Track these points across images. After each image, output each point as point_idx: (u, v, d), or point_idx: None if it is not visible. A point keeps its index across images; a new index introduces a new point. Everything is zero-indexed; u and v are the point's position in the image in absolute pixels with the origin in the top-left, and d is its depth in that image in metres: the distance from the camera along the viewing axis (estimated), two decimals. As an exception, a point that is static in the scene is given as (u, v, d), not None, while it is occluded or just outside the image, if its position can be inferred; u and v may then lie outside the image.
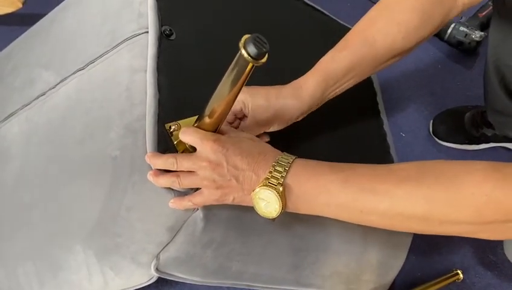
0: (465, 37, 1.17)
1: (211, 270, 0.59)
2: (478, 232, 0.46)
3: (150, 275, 0.55)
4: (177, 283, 0.60)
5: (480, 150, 1.08)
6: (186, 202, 0.50)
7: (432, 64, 1.22)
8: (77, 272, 0.56)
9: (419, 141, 1.11)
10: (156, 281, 0.57)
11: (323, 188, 0.48)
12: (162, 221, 0.52)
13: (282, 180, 0.47)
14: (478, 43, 1.17)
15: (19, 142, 0.68)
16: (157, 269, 0.54)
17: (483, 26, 1.19)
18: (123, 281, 0.55)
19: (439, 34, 1.21)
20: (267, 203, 0.48)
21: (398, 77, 1.20)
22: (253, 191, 0.48)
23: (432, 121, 1.12)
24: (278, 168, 0.48)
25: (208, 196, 0.50)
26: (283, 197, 0.47)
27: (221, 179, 0.48)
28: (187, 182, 0.49)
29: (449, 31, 1.18)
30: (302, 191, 0.48)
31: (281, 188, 0.47)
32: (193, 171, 0.49)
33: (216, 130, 0.51)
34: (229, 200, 0.50)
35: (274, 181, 0.47)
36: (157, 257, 0.54)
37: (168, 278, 0.57)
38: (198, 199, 0.50)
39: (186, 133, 0.49)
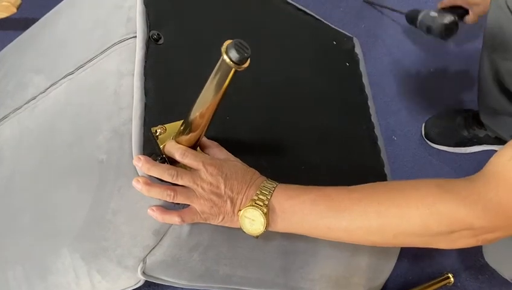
0: (433, 21, 1.09)
1: (198, 274, 0.59)
2: (433, 243, 0.50)
3: (137, 279, 0.55)
4: (168, 287, 0.61)
5: (471, 153, 1.09)
6: (175, 217, 0.51)
7: (425, 67, 1.22)
8: (65, 275, 0.56)
9: (411, 144, 1.12)
10: (146, 285, 0.57)
11: (296, 208, 0.53)
12: (147, 224, 0.52)
13: (267, 202, 0.52)
14: (447, 28, 1.07)
15: (10, 146, 0.69)
16: (143, 272, 0.54)
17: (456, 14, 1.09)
18: (110, 284, 0.55)
19: (413, 22, 1.15)
20: (252, 222, 0.52)
21: (390, 80, 1.20)
22: (240, 210, 0.53)
23: (424, 124, 1.12)
24: (263, 191, 0.53)
25: (199, 214, 0.52)
26: (267, 216, 0.52)
27: (218, 199, 0.52)
28: (182, 198, 0.51)
29: (419, 17, 1.12)
30: (281, 211, 0.53)
31: (265, 209, 0.52)
32: (188, 188, 0.52)
33: (201, 135, 0.52)
34: (217, 220, 0.53)
35: (260, 203, 0.52)
36: (144, 260, 0.54)
37: (155, 281, 0.57)
38: (189, 217, 0.52)
39: (186, 156, 0.52)
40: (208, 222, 0.53)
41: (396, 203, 0.49)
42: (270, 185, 0.54)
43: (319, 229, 0.53)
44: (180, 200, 0.51)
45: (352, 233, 0.52)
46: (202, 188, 0.51)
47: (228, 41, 0.41)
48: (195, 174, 0.51)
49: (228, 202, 0.52)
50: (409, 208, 0.48)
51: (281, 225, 0.54)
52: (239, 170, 0.54)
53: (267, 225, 0.52)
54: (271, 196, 0.53)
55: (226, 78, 0.44)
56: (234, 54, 0.41)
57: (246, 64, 0.42)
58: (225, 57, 0.41)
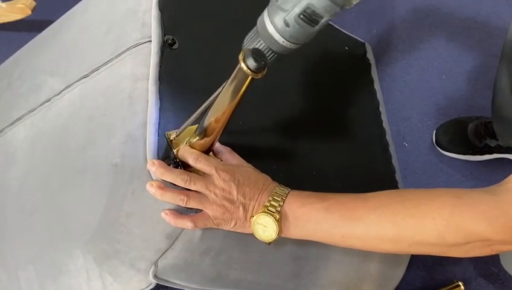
0: None
1: (209, 278, 0.59)
2: (446, 252, 0.50)
3: (148, 282, 0.56)
4: (177, 290, 0.61)
5: (483, 161, 1.08)
6: (187, 222, 0.52)
7: (436, 74, 1.22)
8: (77, 276, 0.57)
9: (422, 151, 1.11)
10: (156, 287, 0.58)
11: (310, 216, 0.53)
12: (160, 228, 0.52)
13: (280, 208, 0.52)
14: None
15: (24, 147, 0.70)
16: (155, 275, 0.55)
17: None
18: (121, 286, 0.55)
19: None
20: (265, 228, 0.52)
21: (402, 87, 1.20)
22: (253, 217, 0.52)
23: (435, 131, 1.11)
24: (276, 197, 0.53)
25: (211, 220, 0.53)
26: (279, 223, 0.52)
27: (230, 205, 0.52)
28: (195, 203, 0.52)
29: None
30: (294, 219, 0.53)
31: (277, 216, 0.52)
32: (201, 193, 0.52)
33: (215, 141, 0.52)
34: (230, 225, 0.53)
35: (272, 209, 0.52)
36: (156, 263, 0.54)
37: (166, 285, 0.57)
38: (201, 222, 0.52)
39: (199, 161, 0.52)
40: (220, 227, 0.53)
41: (412, 213, 0.49)
42: (282, 192, 0.54)
43: (332, 237, 0.53)
44: (192, 205, 0.51)
45: (366, 242, 0.52)
46: (215, 193, 0.51)
47: (245, 49, 0.42)
48: (208, 180, 0.52)
49: (240, 208, 0.52)
50: (425, 219, 0.48)
51: (294, 232, 0.54)
52: (251, 176, 0.54)
53: (280, 231, 0.52)
54: (283, 203, 0.53)
55: (243, 86, 0.44)
56: (252, 62, 0.41)
57: (263, 73, 0.43)
58: (242, 64, 0.42)
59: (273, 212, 0.52)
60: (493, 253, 0.49)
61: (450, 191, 0.49)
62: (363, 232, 0.51)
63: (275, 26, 0.46)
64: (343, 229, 0.52)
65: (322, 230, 0.53)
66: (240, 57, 0.42)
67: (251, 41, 0.49)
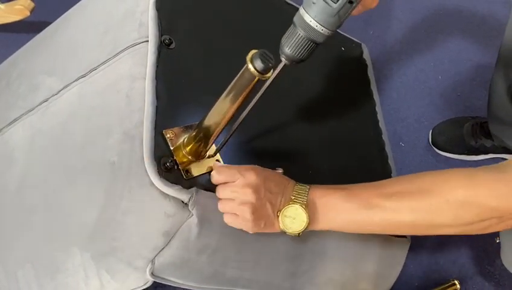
0: None
1: (206, 276, 0.59)
2: (465, 231, 0.51)
3: (145, 280, 0.56)
4: (174, 288, 0.61)
5: (479, 160, 1.09)
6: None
7: (432, 75, 1.22)
8: (74, 274, 0.57)
9: (419, 151, 1.12)
10: (153, 285, 0.58)
11: (330, 206, 0.55)
12: (157, 226, 0.53)
13: (305, 198, 0.55)
14: None
15: (22, 147, 0.70)
16: (152, 273, 0.55)
17: None
18: (119, 284, 0.55)
19: None
20: (293, 221, 0.54)
21: (399, 87, 1.21)
22: (279, 211, 0.55)
23: (431, 131, 1.12)
24: (299, 190, 0.56)
25: (241, 221, 0.54)
26: (308, 213, 0.54)
27: (258, 202, 0.53)
28: (227, 208, 0.53)
29: None
30: (318, 209, 0.55)
31: (305, 206, 0.54)
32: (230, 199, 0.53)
33: (215, 139, 0.53)
34: (260, 226, 0.54)
35: (299, 199, 0.55)
36: (153, 261, 0.54)
37: (163, 282, 0.57)
38: (229, 219, 0.54)
39: (221, 172, 0.54)
40: (252, 230, 0.54)
41: (426, 196, 0.51)
42: (302, 185, 0.56)
43: (351, 224, 0.55)
44: (225, 210, 0.54)
45: (385, 227, 0.54)
46: (243, 193, 0.53)
47: (253, 51, 0.43)
48: (233, 184, 0.53)
49: (268, 204, 0.54)
50: (439, 201, 0.50)
51: (321, 220, 0.55)
52: (273, 173, 0.56)
53: (309, 220, 0.54)
54: (307, 194, 0.55)
55: (247, 87, 0.45)
56: (259, 64, 0.42)
57: (269, 75, 0.44)
58: (250, 66, 0.42)
59: (301, 203, 0.54)
60: (508, 228, 0.51)
61: (461, 172, 0.51)
62: (381, 219, 0.53)
63: (304, 7, 0.49)
64: (362, 216, 0.54)
65: (341, 218, 0.55)
66: (248, 58, 0.43)
67: (288, 35, 0.51)
